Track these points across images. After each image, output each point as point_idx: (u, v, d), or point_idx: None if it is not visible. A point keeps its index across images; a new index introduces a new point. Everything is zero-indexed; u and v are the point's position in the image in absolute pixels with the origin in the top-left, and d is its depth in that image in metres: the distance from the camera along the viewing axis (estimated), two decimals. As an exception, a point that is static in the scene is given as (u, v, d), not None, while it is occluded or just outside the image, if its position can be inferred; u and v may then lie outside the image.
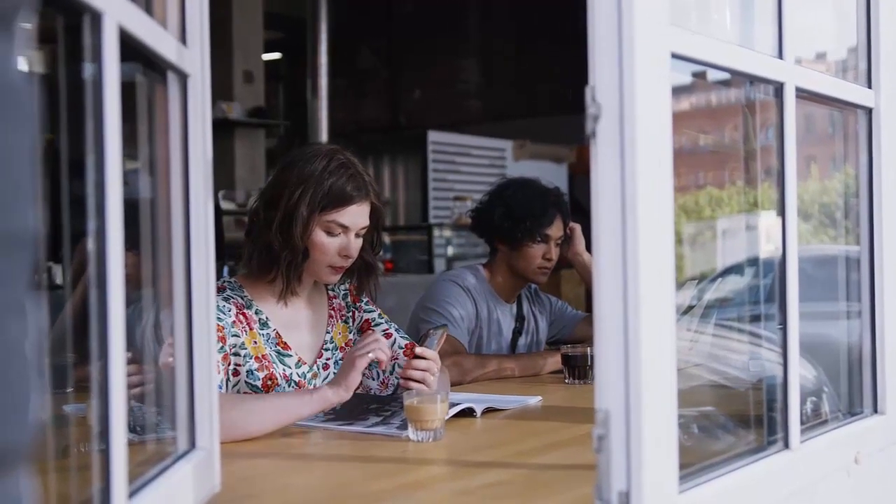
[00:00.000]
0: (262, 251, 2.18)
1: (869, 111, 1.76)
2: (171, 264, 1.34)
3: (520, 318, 3.10)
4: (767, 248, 1.87)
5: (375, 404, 2.11)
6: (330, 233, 2.17)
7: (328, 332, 2.32)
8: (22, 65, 0.57)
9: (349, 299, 2.39)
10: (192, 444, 1.34)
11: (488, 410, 2.16)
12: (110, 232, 0.98)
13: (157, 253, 1.34)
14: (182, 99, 1.32)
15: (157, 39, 1.18)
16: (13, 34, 0.55)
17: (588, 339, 2.97)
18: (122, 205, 1.00)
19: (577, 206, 4.33)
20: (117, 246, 0.99)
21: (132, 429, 1.19)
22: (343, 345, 2.33)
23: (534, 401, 2.32)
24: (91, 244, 0.98)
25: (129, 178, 1.07)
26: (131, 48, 1.08)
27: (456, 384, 2.66)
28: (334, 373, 2.26)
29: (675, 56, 1.22)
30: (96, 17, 0.97)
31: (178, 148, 1.32)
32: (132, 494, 1.06)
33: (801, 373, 1.53)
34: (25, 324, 0.57)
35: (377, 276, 2.34)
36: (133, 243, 1.21)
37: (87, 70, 0.99)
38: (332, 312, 2.35)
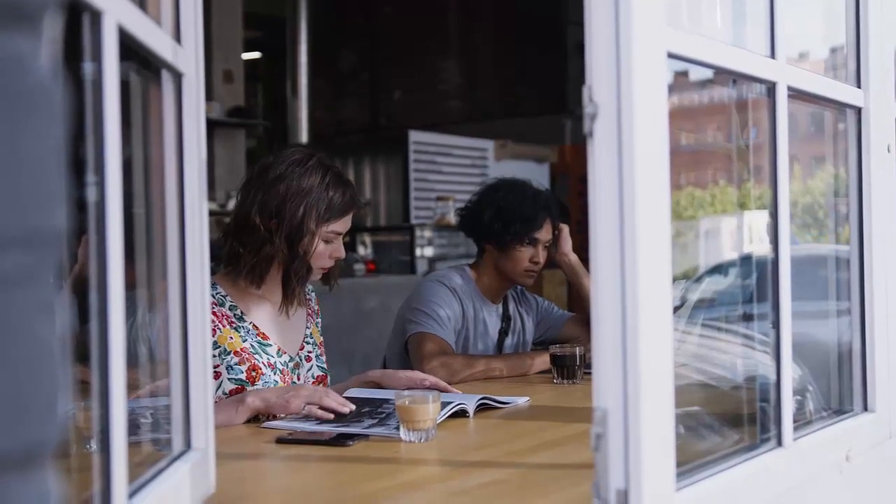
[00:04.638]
0: (262, 262, 2.20)
1: (858, 110, 1.77)
2: (163, 264, 1.33)
3: (506, 319, 3.10)
4: (752, 248, 1.87)
5: (368, 407, 2.10)
6: (328, 241, 2.25)
7: (308, 328, 2.40)
8: (49, 62, 0.56)
9: (317, 307, 2.49)
10: (188, 445, 1.33)
11: (482, 406, 2.17)
12: (110, 231, 0.97)
13: (150, 253, 1.33)
14: (177, 98, 1.32)
15: (154, 38, 1.17)
16: (40, 33, 0.54)
17: (575, 339, 2.97)
18: (122, 204, 0.99)
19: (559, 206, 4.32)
20: (117, 246, 0.98)
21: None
22: (318, 343, 2.43)
23: (522, 401, 2.33)
24: (91, 245, 0.97)
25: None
26: (127, 47, 1.07)
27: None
28: (317, 366, 2.38)
29: (671, 56, 1.23)
30: (96, 16, 0.96)
31: (173, 148, 1.32)
32: (131, 495, 1.05)
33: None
34: (54, 323, 0.56)
35: (340, 265, 2.41)
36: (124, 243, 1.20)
37: (86, 68, 0.98)
38: (309, 311, 2.44)
